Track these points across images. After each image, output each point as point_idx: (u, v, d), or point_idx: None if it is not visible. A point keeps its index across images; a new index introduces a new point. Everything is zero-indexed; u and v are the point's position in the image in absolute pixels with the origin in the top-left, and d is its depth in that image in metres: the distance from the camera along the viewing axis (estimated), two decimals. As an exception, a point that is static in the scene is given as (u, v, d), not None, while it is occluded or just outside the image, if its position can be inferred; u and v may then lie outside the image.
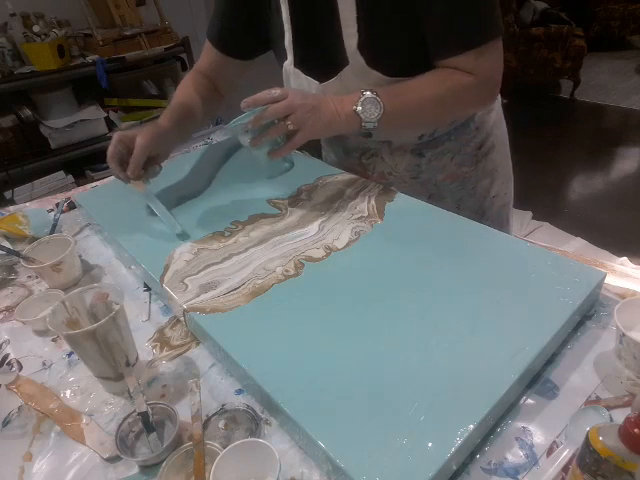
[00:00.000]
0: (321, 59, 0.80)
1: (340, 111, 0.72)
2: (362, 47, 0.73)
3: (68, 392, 0.60)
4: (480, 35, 0.69)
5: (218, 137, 1.32)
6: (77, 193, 1.03)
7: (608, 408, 0.50)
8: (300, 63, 0.83)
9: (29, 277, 0.82)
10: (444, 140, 0.88)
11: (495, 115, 0.92)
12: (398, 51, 0.75)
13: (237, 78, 0.99)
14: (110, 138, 0.81)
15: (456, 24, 0.69)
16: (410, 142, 0.88)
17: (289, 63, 0.83)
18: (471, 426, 0.45)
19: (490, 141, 0.91)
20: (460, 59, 0.71)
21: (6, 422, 0.57)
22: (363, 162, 0.95)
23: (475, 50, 0.69)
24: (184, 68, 2.54)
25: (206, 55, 0.95)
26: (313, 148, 1.20)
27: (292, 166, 0.80)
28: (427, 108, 0.75)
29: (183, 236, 0.78)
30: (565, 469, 0.45)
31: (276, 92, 0.71)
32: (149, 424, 0.51)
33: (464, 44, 0.70)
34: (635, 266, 0.70)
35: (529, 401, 0.52)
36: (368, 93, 0.71)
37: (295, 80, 0.85)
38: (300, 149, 1.07)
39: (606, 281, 0.62)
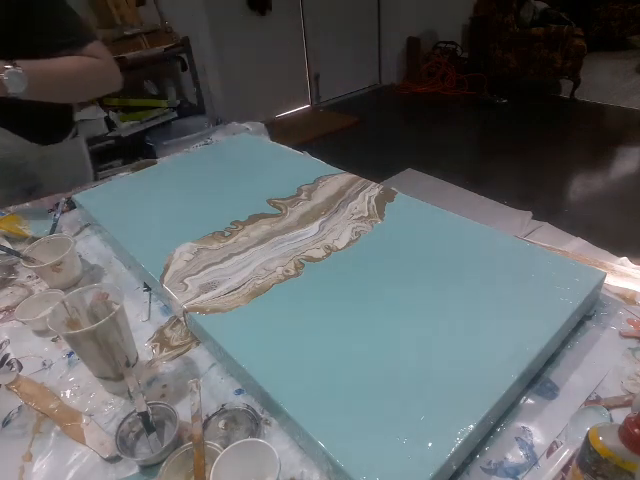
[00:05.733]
0: None
1: None
2: None
3: (68, 392, 0.60)
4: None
5: (218, 137, 1.32)
6: (77, 193, 1.03)
7: (608, 408, 0.50)
8: None
9: (29, 277, 0.82)
10: None
11: None
12: None
13: None
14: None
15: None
16: None
17: None
18: (471, 426, 0.45)
19: None
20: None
21: (6, 422, 0.57)
22: None
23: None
24: (184, 68, 2.54)
25: None
26: (313, 148, 1.20)
27: None
28: (69, 79, 0.89)
29: None
30: (565, 469, 0.45)
31: None
32: (149, 424, 0.51)
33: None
34: (635, 266, 0.70)
35: (529, 401, 0.52)
36: (10, 67, 0.77)
37: None
38: (300, 149, 1.08)
39: (606, 281, 0.62)
